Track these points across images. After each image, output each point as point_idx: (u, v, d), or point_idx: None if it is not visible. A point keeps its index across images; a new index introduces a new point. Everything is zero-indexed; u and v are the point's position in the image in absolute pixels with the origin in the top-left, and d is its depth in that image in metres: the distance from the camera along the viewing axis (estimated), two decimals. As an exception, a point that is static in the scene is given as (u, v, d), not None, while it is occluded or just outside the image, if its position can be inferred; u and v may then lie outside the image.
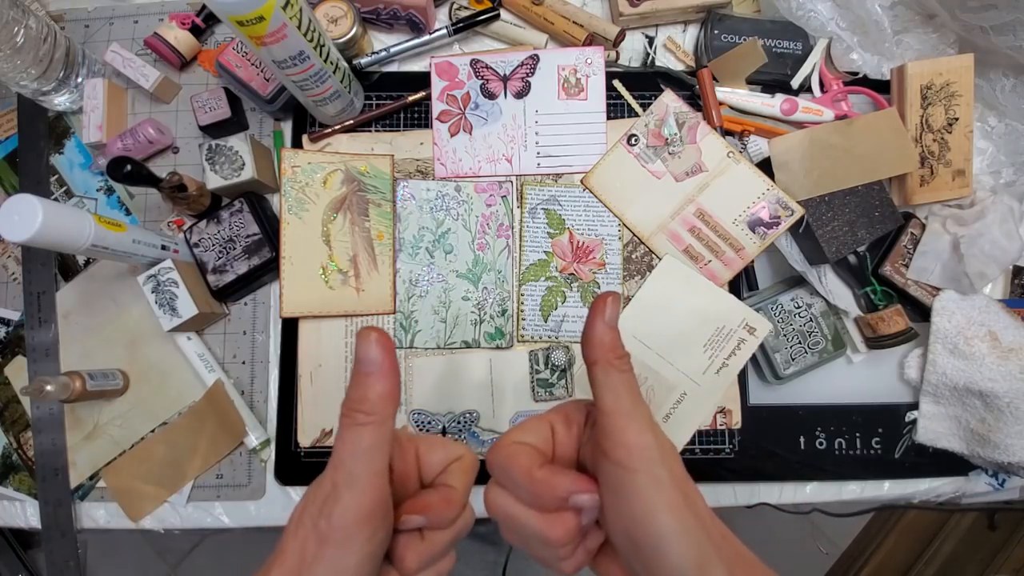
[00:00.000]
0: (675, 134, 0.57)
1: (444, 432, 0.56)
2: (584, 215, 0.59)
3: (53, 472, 0.57)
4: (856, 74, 0.58)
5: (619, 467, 0.25)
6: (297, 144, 0.60)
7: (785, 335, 0.56)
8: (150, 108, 0.61)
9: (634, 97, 0.60)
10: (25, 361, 0.59)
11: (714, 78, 0.58)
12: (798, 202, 0.55)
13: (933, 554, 1.33)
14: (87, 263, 0.60)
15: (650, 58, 0.61)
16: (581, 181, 0.59)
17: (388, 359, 0.25)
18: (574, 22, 0.59)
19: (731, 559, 0.24)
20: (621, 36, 0.59)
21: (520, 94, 0.59)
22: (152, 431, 0.58)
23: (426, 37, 0.60)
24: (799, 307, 0.57)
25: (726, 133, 0.58)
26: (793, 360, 0.56)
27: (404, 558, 0.27)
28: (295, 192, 0.56)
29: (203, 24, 0.61)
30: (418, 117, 0.60)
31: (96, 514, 0.57)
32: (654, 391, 0.56)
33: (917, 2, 0.55)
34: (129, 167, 0.50)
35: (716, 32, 0.58)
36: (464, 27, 0.60)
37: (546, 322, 0.57)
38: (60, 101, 0.59)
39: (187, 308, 0.53)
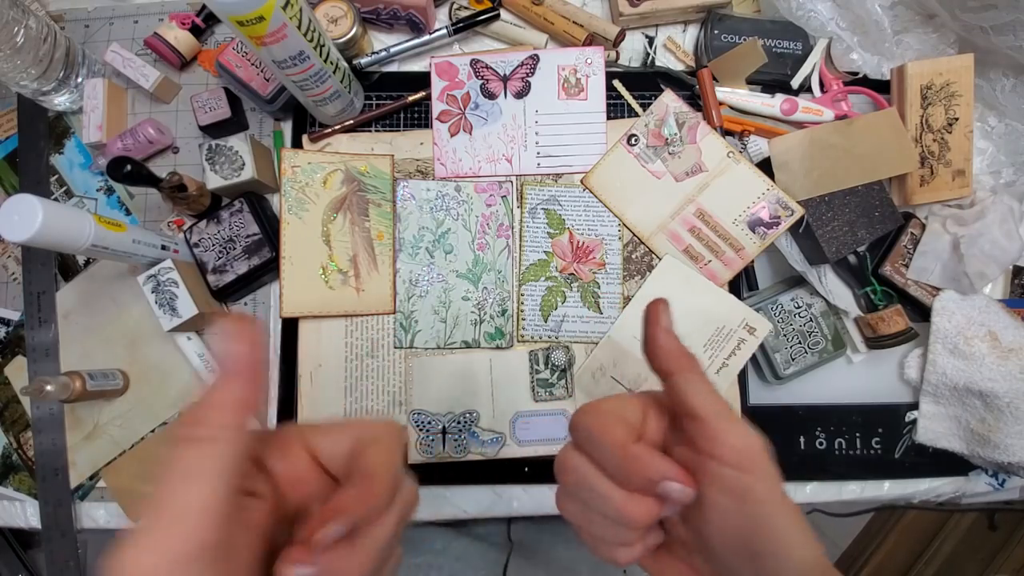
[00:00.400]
0: (675, 134, 0.57)
1: (444, 432, 0.56)
2: (584, 215, 0.59)
3: (53, 472, 0.57)
4: (856, 74, 0.58)
5: (732, 469, 0.24)
6: (297, 144, 0.60)
7: (785, 335, 0.56)
8: (150, 108, 0.61)
9: (634, 97, 0.60)
10: (25, 361, 0.59)
11: (714, 78, 0.58)
12: (798, 202, 0.55)
13: (933, 554, 1.33)
14: (87, 263, 0.60)
15: (650, 58, 0.61)
16: (581, 181, 0.59)
17: (247, 351, 0.22)
18: (574, 22, 0.59)
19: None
20: (621, 36, 0.59)
21: (520, 94, 0.59)
22: (152, 431, 0.58)
23: (426, 37, 0.60)
24: (799, 307, 0.57)
25: (726, 133, 0.58)
26: (793, 360, 0.56)
27: None
28: (295, 192, 0.56)
29: (203, 24, 0.61)
30: (418, 117, 0.60)
31: (96, 514, 0.57)
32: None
33: (917, 2, 0.55)
34: (129, 167, 0.50)
35: (716, 32, 0.58)
36: (464, 27, 0.60)
37: (546, 322, 0.57)
38: (60, 101, 0.59)
39: (187, 308, 0.53)
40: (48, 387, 0.50)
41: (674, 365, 0.27)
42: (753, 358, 0.57)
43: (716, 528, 0.25)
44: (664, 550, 0.28)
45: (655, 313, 0.29)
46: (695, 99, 0.60)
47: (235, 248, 0.56)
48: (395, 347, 0.57)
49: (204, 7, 0.61)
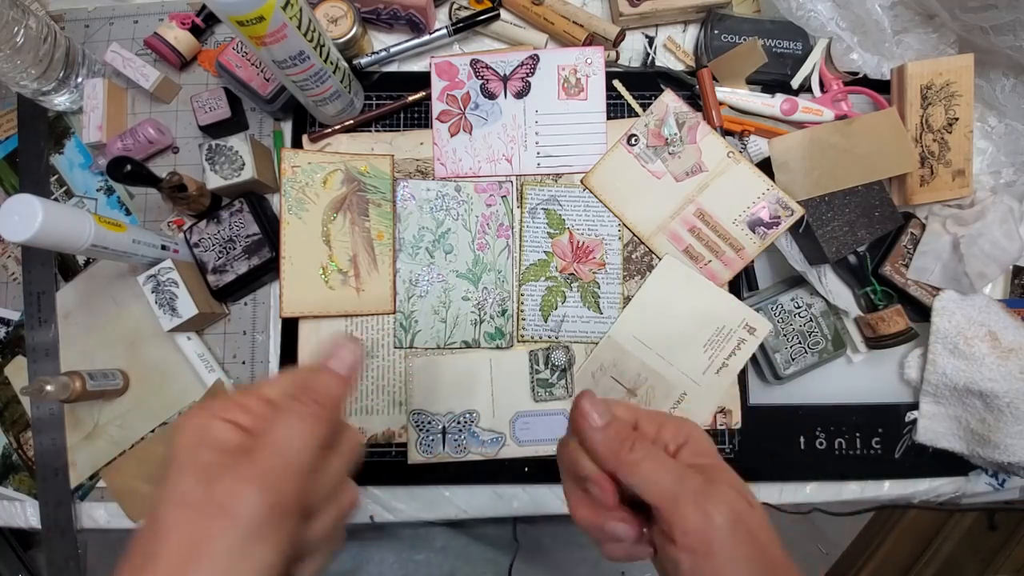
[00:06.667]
0: (675, 134, 0.57)
1: (444, 432, 0.56)
2: (584, 215, 0.59)
3: (53, 472, 0.57)
4: (856, 74, 0.58)
5: (687, 553, 0.25)
6: (297, 144, 0.60)
7: (785, 335, 0.56)
8: (150, 108, 0.61)
9: (634, 97, 0.60)
10: (25, 361, 0.59)
11: (714, 78, 0.58)
12: (798, 202, 0.55)
13: (933, 554, 1.32)
14: (87, 263, 0.60)
15: (650, 58, 0.61)
16: (581, 181, 0.59)
17: (356, 370, 0.27)
18: (574, 22, 0.59)
19: None
20: (621, 36, 0.59)
21: (520, 94, 0.59)
22: (152, 431, 0.58)
23: (426, 37, 0.60)
24: (799, 307, 0.57)
25: (726, 133, 0.58)
26: (793, 360, 0.56)
27: None
28: (295, 192, 0.56)
29: (203, 24, 0.61)
30: (418, 117, 0.60)
31: (96, 514, 0.57)
32: (654, 391, 0.56)
33: (917, 2, 0.55)
34: (129, 167, 0.50)
35: (716, 32, 0.58)
36: (464, 27, 0.60)
37: (546, 322, 0.57)
38: (60, 101, 0.59)
39: (187, 308, 0.53)
40: (48, 387, 0.50)
41: (613, 462, 0.28)
42: (753, 358, 0.57)
43: None
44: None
45: (581, 411, 0.29)
46: (695, 99, 0.60)
47: (235, 248, 0.56)
48: (395, 347, 0.57)
49: (204, 7, 0.61)
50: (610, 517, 0.28)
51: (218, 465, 0.22)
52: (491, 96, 0.59)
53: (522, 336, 0.57)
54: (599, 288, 0.58)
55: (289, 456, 0.23)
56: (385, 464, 0.56)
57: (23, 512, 0.59)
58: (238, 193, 0.57)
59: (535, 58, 0.59)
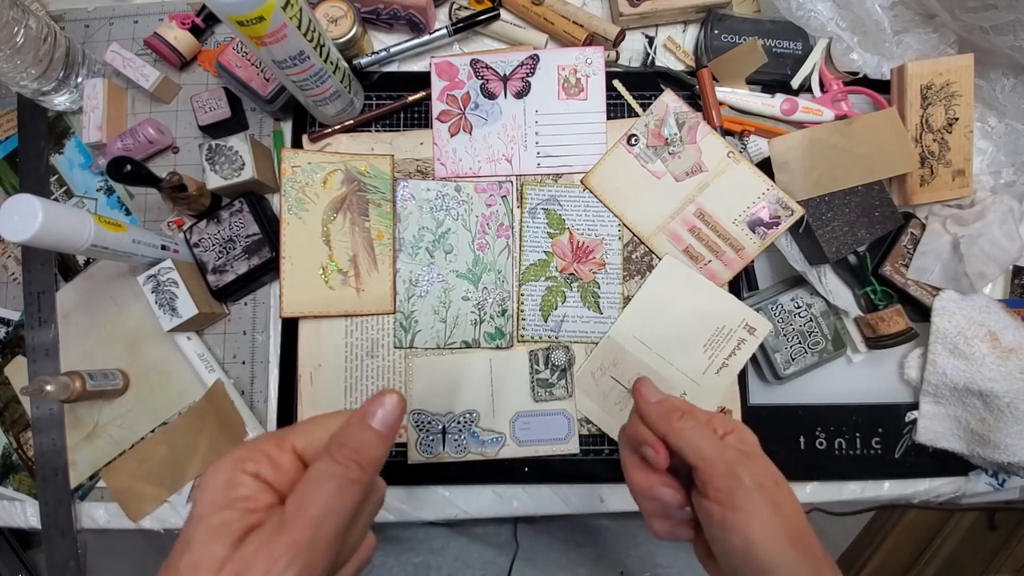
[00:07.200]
0: (675, 134, 0.57)
1: (444, 432, 0.56)
2: (584, 215, 0.59)
3: (53, 472, 0.57)
4: (856, 74, 0.58)
5: (720, 505, 0.31)
6: (297, 144, 0.60)
7: (785, 335, 0.56)
8: (150, 108, 0.61)
9: (634, 97, 0.60)
10: (25, 361, 0.59)
11: (714, 78, 0.58)
12: (798, 202, 0.55)
13: (933, 554, 1.33)
14: (87, 263, 0.60)
15: (650, 58, 0.61)
16: (581, 181, 0.59)
17: (396, 429, 0.25)
18: (574, 22, 0.59)
19: None
20: (621, 36, 0.59)
21: (520, 94, 0.59)
22: (152, 431, 0.58)
23: (426, 37, 0.60)
24: (799, 307, 0.57)
25: (726, 133, 0.58)
26: (793, 360, 0.56)
27: None
28: (295, 192, 0.56)
29: (203, 24, 0.61)
30: (418, 117, 0.60)
31: (96, 514, 0.57)
32: (654, 391, 0.56)
33: (917, 2, 0.55)
34: (129, 167, 0.50)
35: (716, 32, 0.58)
36: (464, 27, 0.60)
37: (546, 322, 0.57)
38: (60, 101, 0.59)
39: (187, 308, 0.53)
40: (48, 387, 0.50)
41: (664, 427, 0.34)
42: (753, 358, 0.57)
43: (716, 554, 0.32)
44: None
45: (639, 390, 0.37)
46: (695, 99, 0.60)
47: (235, 248, 0.56)
48: (395, 347, 0.57)
49: (204, 7, 0.61)
50: (659, 481, 0.34)
51: (247, 528, 0.22)
52: (491, 96, 0.59)
53: (522, 336, 0.57)
54: (599, 288, 0.58)
55: (325, 528, 0.22)
56: (385, 464, 0.56)
57: (23, 512, 0.59)
58: (238, 193, 0.57)
59: (535, 58, 0.59)
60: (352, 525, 0.25)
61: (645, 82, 0.60)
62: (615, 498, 0.57)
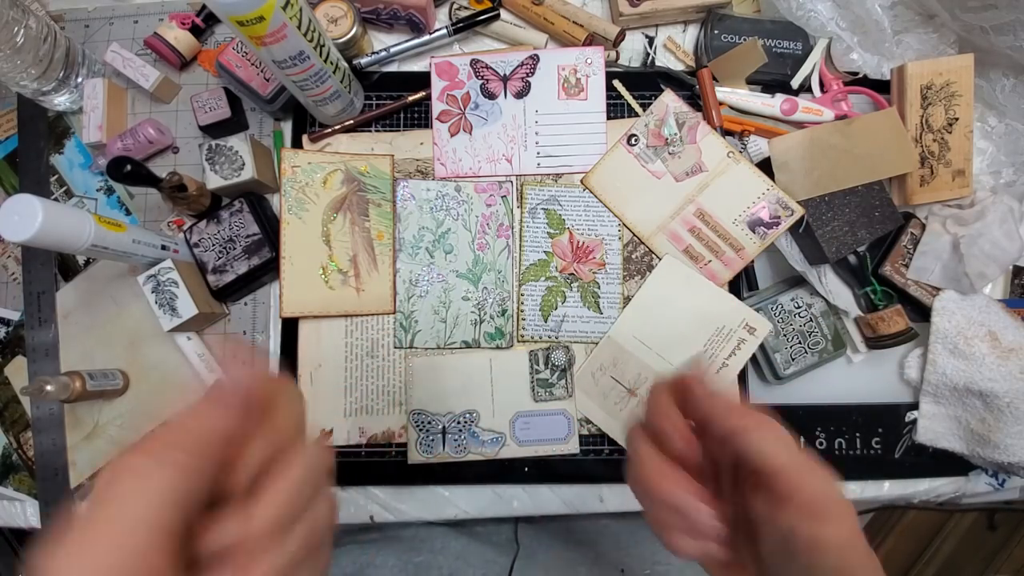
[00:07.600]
0: (675, 134, 0.57)
1: (444, 432, 0.56)
2: (584, 215, 0.59)
3: (53, 472, 0.57)
4: (856, 74, 0.58)
5: (809, 517, 0.26)
6: (297, 144, 0.60)
7: (785, 335, 0.56)
8: (150, 108, 0.61)
9: (634, 97, 0.60)
10: (25, 361, 0.59)
11: (714, 78, 0.58)
12: (798, 202, 0.55)
13: (933, 554, 1.33)
14: (87, 263, 0.60)
15: (650, 58, 0.61)
16: (581, 181, 0.59)
17: (249, 391, 0.21)
18: (574, 22, 0.59)
19: None
20: (621, 36, 0.59)
21: (520, 94, 0.59)
22: (152, 431, 0.58)
23: (426, 37, 0.60)
24: (799, 307, 0.57)
25: (726, 133, 0.58)
26: (793, 360, 0.56)
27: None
28: (295, 192, 0.56)
29: (203, 24, 0.60)
30: (418, 117, 0.60)
31: (96, 514, 0.57)
32: (654, 391, 0.56)
33: (917, 2, 0.55)
34: (129, 167, 0.50)
35: (716, 32, 0.58)
36: (464, 27, 0.60)
37: (546, 322, 0.57)
38: (60, 101, 0.59)
39: (187, 308, 0.53)
40: (48, 387, 0.50)
41: (727, 423, 0.28)
42: (753, 358, 0.57)
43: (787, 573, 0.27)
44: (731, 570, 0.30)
45: (698, 377, 0.30)
46: (695, 99, 0.60)
47: (235, 248, 0.56)
48: (395, 347, 0.57)
49: (204, 7, 0.61)
50: (693, 490, 0.28)
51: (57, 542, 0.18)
52: (491, 96, 0.59)
53: (522, 336, 0.57)
54: (599, 288, 0.58)
55: (121, 539, 0.18)
56: (385, 464, 0.56)
57: (23, 512, 0.59)
58: (238, 193, 0.57)
59: (535, 58, 0.59)
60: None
61: (645, 82, 0.60)
62: (615, 498, 0.57)
